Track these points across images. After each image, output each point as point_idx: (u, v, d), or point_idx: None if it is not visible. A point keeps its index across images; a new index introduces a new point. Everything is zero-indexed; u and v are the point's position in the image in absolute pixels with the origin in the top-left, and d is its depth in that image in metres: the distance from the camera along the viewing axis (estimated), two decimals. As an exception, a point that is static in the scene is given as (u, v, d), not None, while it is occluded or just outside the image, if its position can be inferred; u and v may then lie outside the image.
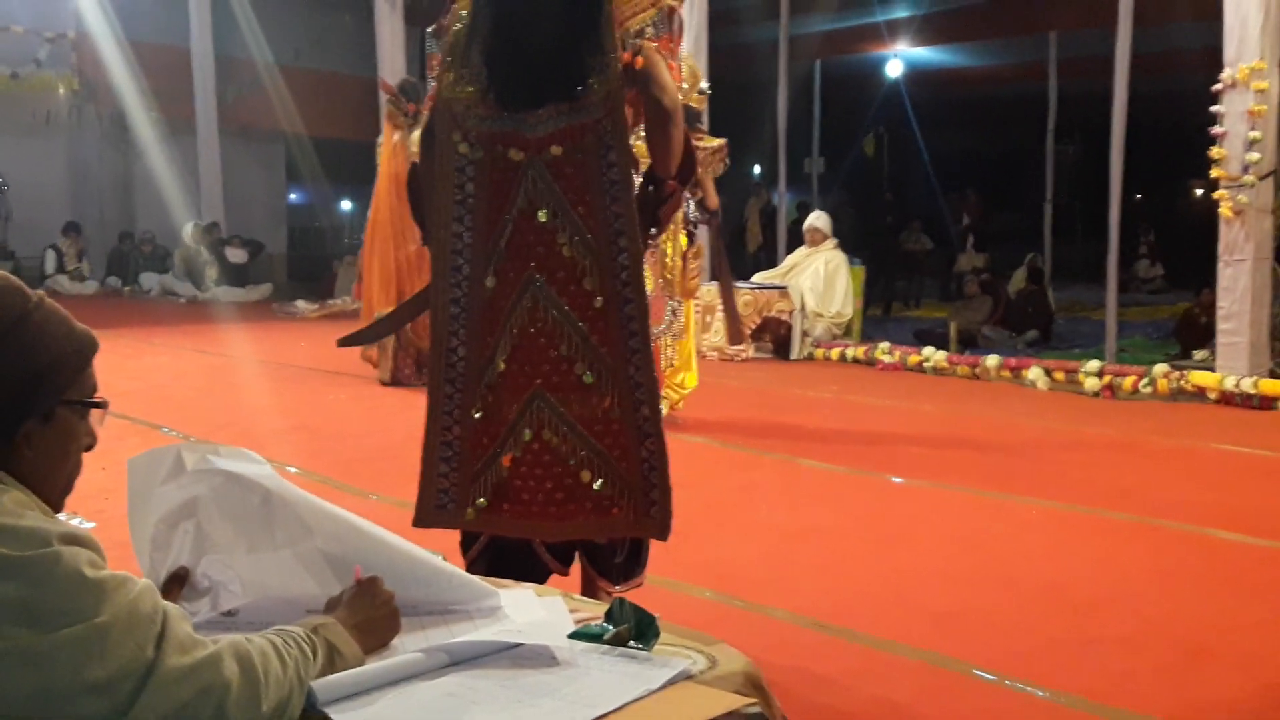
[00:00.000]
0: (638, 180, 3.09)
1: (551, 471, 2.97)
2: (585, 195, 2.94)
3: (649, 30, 3.05)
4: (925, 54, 19.33)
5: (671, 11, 3.16)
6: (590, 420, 2.95)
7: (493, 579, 2.22)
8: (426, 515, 3.09)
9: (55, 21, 17.16)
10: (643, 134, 3.15)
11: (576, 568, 3.19)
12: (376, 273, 8.37)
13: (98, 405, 1.65)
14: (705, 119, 6.92)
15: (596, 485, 2.94)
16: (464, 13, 3.04)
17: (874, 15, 16.30)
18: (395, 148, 8.27)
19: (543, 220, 2.93)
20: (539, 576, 3.02)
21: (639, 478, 2.95)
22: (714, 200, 5.84)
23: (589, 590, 3.11)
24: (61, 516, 1.59)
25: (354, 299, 9.59)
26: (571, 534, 3.04)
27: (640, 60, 2.97)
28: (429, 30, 3.18)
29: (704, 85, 3.56)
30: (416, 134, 8.10)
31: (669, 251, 6.24)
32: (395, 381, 8.24)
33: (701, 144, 6.46)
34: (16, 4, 16.67)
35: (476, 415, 3.00)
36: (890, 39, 17.72)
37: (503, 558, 3.06)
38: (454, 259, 3.01)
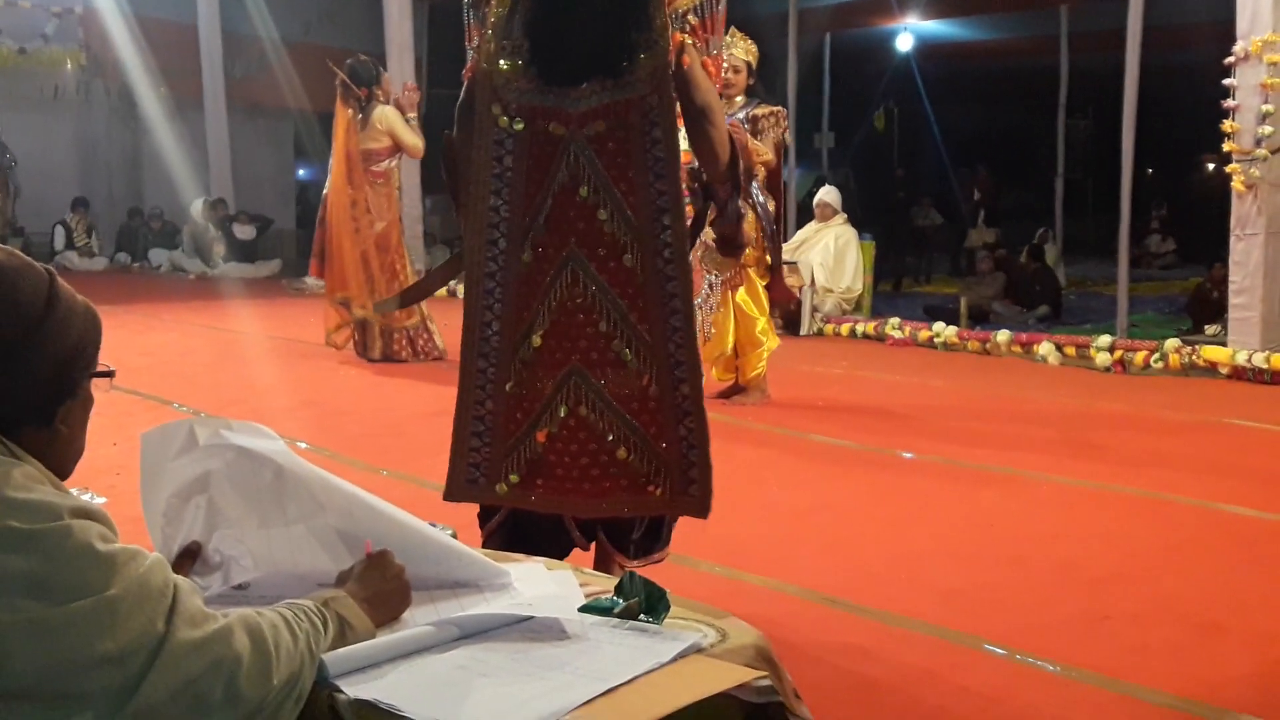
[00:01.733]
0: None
1: (587, 448, 2.96)
2: (628, 172, 2.91)
3: (691, 17, 3.03)
4: (935, 28, 19.21)
5: None
6: (627, 398, 2.94)
7: (504, 553, 2.22)
8: (457, 490, 3.07)
9: (62, -4, 17.15)
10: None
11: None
12: (337, 258, 8.34)
13: (110, 374, 1.67)
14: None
15: (633, 462, 2.93)
16: None
17: (884, -12, 16.23)
18: (349, 125, 8.21)
19: (584, 196, 2.91)
20: (559, 551, 3.02)
21: (677, 456, 2.94)
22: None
23: (603, 565, 3.11)
24: (73, 491, 1.60)
25: (313, 277, 9.50)
26: (606, 511, 3.02)
27: (686, 59, 2.95)
28: (467, 1, 3.16)
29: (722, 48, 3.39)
30: (380, 111, 8.10)
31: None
32: (386, 358, 8.24)
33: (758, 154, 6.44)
34: (24, -21, 16.68)
35: (509, 389, 2.99)
36: (900, 12, 17.63)
37: (522, 532, 3.06)
38: (490, 232, 2.98)
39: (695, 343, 2.98)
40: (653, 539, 3.18)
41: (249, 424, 1.88)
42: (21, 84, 17.06)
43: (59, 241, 16.91)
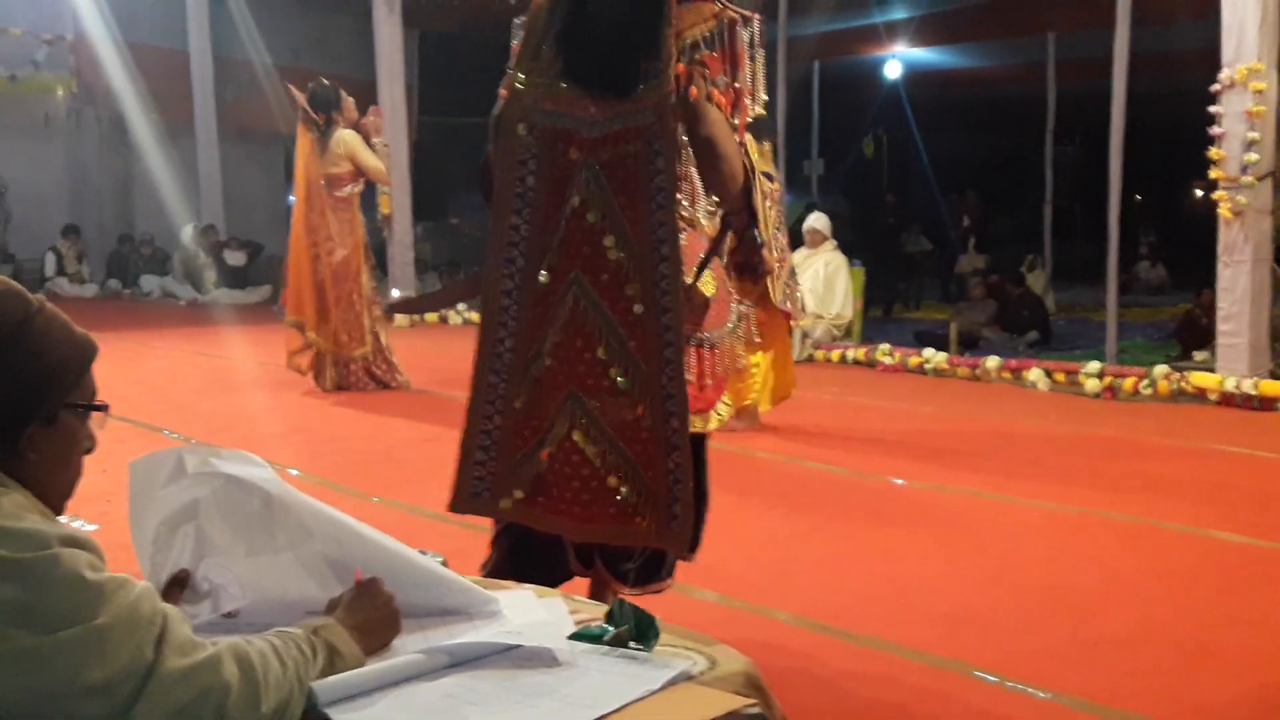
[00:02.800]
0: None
1: (580, 472, 2.98)
2: (634, 200, 2.94)
3: (702, 47, 3.06)
4: (924, 55, 19.32)
5: (733, 24, 3.16)
6: (621, 426, 2.96)
7: (493, 580, 2.22)
8: (462, 502, 3.09)
9: (53, 24, 17.16)
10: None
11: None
12: (295, 282, 8.33)
13: (99, 408, 1.66)
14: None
15: (623, 492, 2.95)
16: (542, 6, 3.08)
17: (872, 17, 16.29)
18: (310, 151, 8.13)
19: (591, 221, 2.95)
20: (557, 576, 3.03)
21: (664, 489, 2.93)
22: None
23: (598, 593, 3.12)
24: (63, 519, 1.59)
25: (279, 305, 9.44)
26: (593, 536, 3.04)
27: (694, 91, 2.97)
28: (516, 21, 3.22)
29: (763, 96, 3.38)
30: (339, 135, 8.01)
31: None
32: (339, 387, 8.17)
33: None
34: (14, 6, 16.67)
35: (519, 405, 3.02)
36: (888, 40, 17.72)
37: (523, 552, 3.07)
38: (509, 250, 3.03)
39: (684, 377, 2.97)
40: (654, 568, 3.17)
41: (238, 452, 1.88)
42: (12, 111, 17.06)
43: (50, 268, 16.88)
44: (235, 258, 16.69)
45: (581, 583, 3.17)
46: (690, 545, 3.07)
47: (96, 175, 18.45)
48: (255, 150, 19.34)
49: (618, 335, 2.94)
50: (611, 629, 1.82)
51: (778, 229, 6.21)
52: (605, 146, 2.95)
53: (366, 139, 8.21)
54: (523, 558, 3.06)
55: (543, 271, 2.98)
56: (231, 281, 16.33)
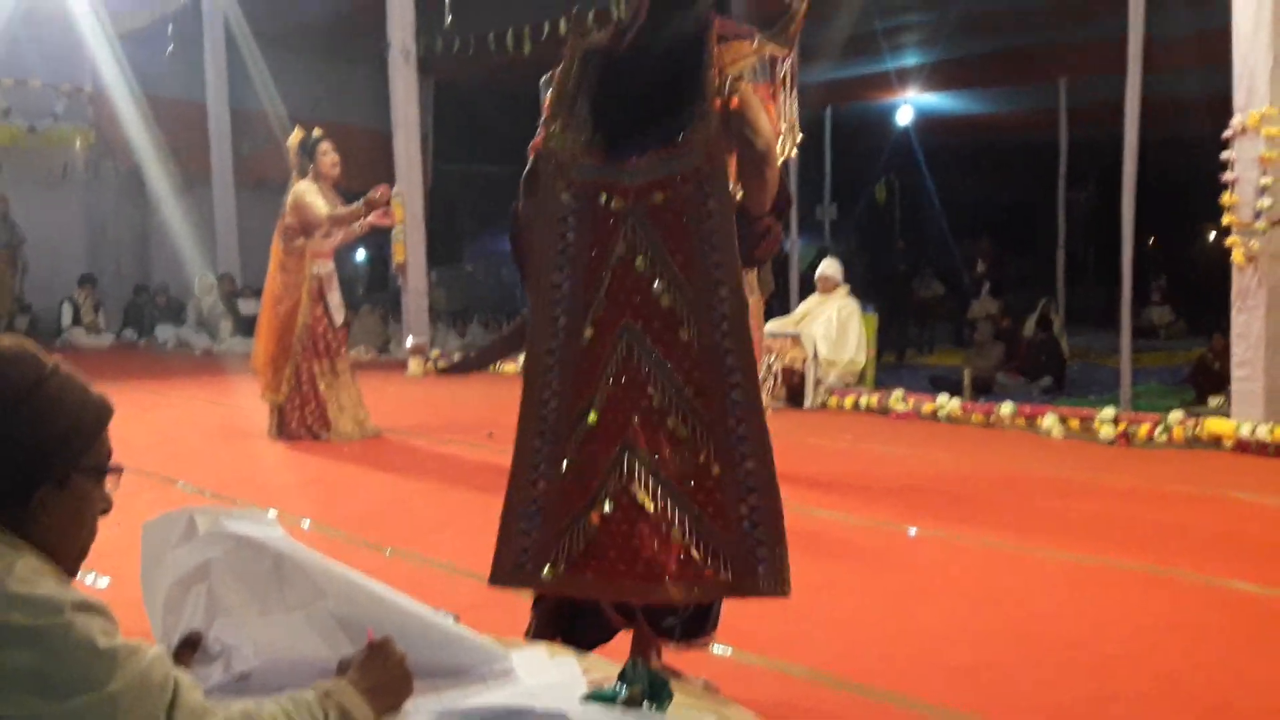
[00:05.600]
0: None
1: (638, 529, 2.86)
2: (684, 243, 2.93)
3: (746, 75, 3.06)
4: (935, 101, 19.43)
5: (774, 60, 3.19)
6: (683, 476, 2.88)
7: (506, 638, 2.22)
8: (504, 575, 2.99)
9: (72, 75, 17.37)
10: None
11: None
12: (259, 328, 8.41)
13: (112, 471, 1.66)
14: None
15: (687, 544, 2.86)
16: (573, 63, 3.09)
17: (884, 63, 16.40)
18: (292, 196, 8.08)
19: (640, 269, 2.94)
20: (604, 631, 3.00)
21: (738, 535, 2.86)
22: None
23: (641, 649, 3.03)
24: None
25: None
26: (660, 597, 2.90)
27: (736, 100, 2.96)
28: (542, 80, 3.23)
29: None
30: (295, 187, 7.97)
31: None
32: (281, 434, 8.20)
33: None
34: (34, 58, 16.87)
35: (565, 468, 2.95)
36: (900, 86, 17.83)
37: (569, 605, 3.02)
38: (552, 309, 3.01)
39: (761, 417, 2.91)
40: (700, 621, 3.10)
41: (249, 510, 1.89)
42: (31, 162, 17.25)
43: (66, 318, 16.98)
44: (250, 306, 16.78)
45: (622, 641, 3.12)
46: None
47: (114, 226, 18.61)
48: (271, 201, 19.42)
49: (673, 382, 2.90)
50: (625, 690, 1.81)
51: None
52: (650, 192, 2.94)
53: (326, 184, 8.08)
54: (565, 619, 2.99)
55: (588, 328, 2.96)
56: (246, 330, 16.40)
